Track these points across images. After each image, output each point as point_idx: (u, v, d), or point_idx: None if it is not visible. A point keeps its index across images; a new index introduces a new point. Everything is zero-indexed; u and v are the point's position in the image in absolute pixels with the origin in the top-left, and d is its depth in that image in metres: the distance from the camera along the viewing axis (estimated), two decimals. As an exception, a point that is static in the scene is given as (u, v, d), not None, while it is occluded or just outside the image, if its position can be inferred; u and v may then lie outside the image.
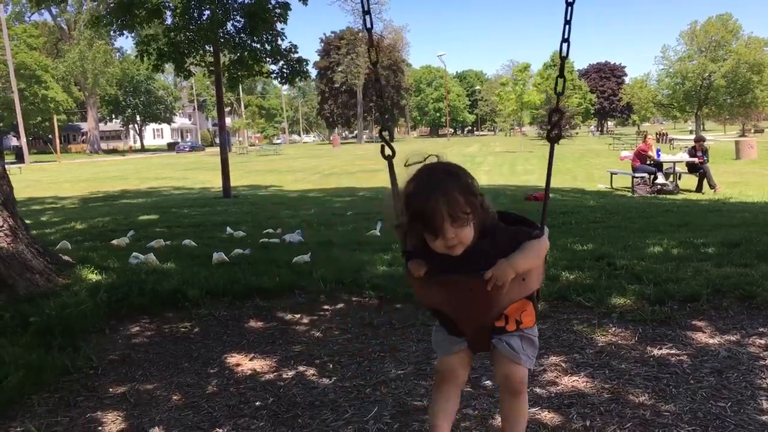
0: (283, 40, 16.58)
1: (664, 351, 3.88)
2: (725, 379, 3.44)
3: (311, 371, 3.81)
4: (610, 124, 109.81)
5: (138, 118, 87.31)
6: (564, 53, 2.32)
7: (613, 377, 3.52)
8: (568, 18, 2.31)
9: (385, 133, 2.40)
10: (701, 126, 74.93)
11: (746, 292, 4.80)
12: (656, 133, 53.22)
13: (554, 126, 2.30)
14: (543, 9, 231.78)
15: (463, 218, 2.01)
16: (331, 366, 3.88)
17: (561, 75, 2.31)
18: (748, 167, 24.48)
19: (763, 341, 3.98)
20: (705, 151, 15.86)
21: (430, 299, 2.24)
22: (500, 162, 31.38)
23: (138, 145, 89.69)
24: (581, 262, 5.84)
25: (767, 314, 4.48)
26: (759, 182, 18.30)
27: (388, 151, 2.37)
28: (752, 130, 71.89)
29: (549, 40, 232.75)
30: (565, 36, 2.32)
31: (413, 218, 2.06)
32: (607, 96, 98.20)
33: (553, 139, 2.29)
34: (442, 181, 2.06)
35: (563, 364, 3.71)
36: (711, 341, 4.02)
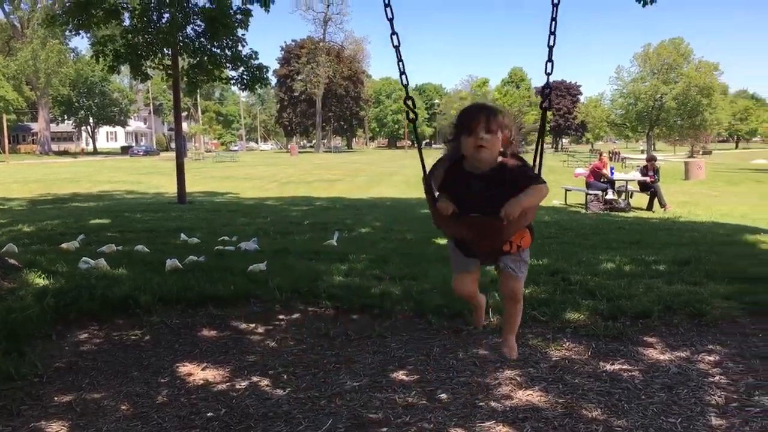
0: (243, 46, 16.44)
1: (617, 366, 3.93)
2: (675, 395, 3.50)
3: (265, 382, 3.76)
4: (565, 141, 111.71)
5: (91, 120, 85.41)
6: (551, 43, 2.86)
7: (566, 392, 3.55)
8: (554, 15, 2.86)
9: (409, 102, 2.83)
10: (652, 146, 76.79)
11: (696, 310, 4.91)
12: (609, 152, 54.28)
13: (546, 97, 2.83)
14: (502, 27, 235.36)
15: (495, 130, 2.64)
16: (285, 377, 3.83)
17: (549, 59, 2.86)
18: (697, 187, 25.15)
19: (711, 358, 4.07)
20: (656, 171, 16.26)
21: (456, 231, 2.88)
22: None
23: (90, 147, 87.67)
24: (537, 277, 5.89)
25: (716, 332, 4.59)
26: (707, 202, 18.81)
27: (412, 115, 2.86)
28: (701, 152, 73.99)
29: (507, 57, 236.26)
30: (552, 29, 2.87)
31: (458, 122, 2.71)
32: (563, 114, 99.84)
33: (545, 108, 2.84)
34: (490, 105, 2.78)
35: (518, 378, 3.73)
36: (662, 357, 4.09)
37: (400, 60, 2.85)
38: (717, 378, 3.74)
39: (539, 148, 2.82)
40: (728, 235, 9.65)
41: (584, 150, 77.85)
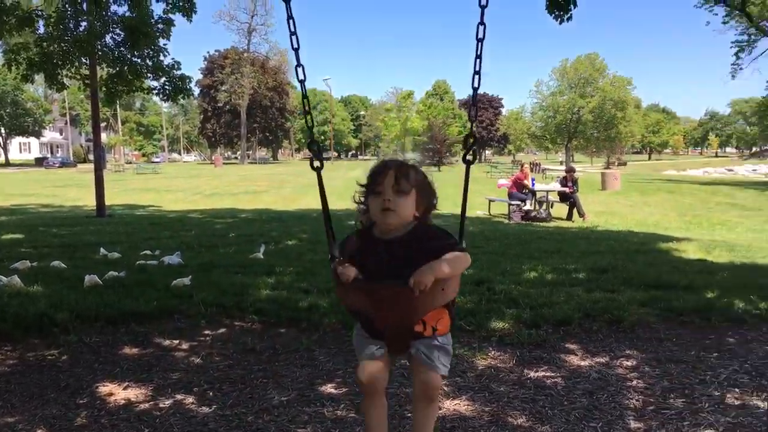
0: (165, 56, 16.09)
1: (540, 373, 4.03)
2: (596, 400, 3.61)
3: (190, 399, 3.67)
4: (488, 153, 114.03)
5: (2, 131, 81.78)
6: (476, 84, 2.58)
7: (492, 400, 3.61)
8: (479, 53, 2.55)
9: (315, 148, 2.56)
10: (571, 157, 79.27)
11: (614, 316, 5.09)
12: (530, 163, 55.75)
13: (469, 149, 2.51)
14: (426, 39, 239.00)
15: (405, 190, 2.34)
16: (211, 393, 3.76)
17: (474, 104, 2.57)
18: (613, 197, 26.08)
19: (629, 363, 4.22)
20: (575, 182, 16.80)
21: (357, 301, 2.40)
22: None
23: (2, 158, 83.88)
24: (463, 287, 5.95)
25: (633, 337, 4.77)
26: (622, 212, 19.55)
27: (317, 163, 2.56)
28: (616, 163, 76.81)
29: (432, 70, 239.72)
30: (477, 69, 2.56)
31: (366, 182, 2.43)
32: (486, 126, 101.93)
33: (469, 161, 2.51)
34: (400, 161, 2.45)
35: (445, 388, 3.77)
36: (583, 363, 4.21)
37: (304, 96, 2.67)
38: (635, 382, 3.88)
39: (463, 206, 2.49)
40: (643, 244, 10.06)
41: (506, 161, 79.68)
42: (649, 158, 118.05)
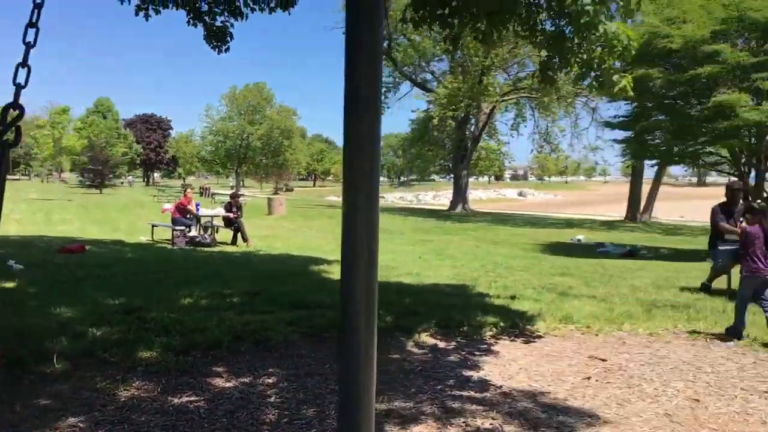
0: None
1: (184, 399, 4.08)
2: (236, 419, 3.78)
3: None
4: (157, 175, 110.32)
5: None
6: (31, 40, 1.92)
7: (132, 431, 3.57)
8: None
9: None
10: (241, 182, 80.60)
11: (262, 337, 5.38)
12: (200, 188, 55.46)
13: (9, 126, 1.78)
14: (86, 52, 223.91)
15: None
16: None
17: (23, 65, 1.87)
18: (278, 222, 27.19)
19: (270, 380, 4.49)
20: (239, 207, 17.15)
21: None
22: (34, 210, 28.94)
23: None
24: (111, 317, 5.78)
25: (278, 355, 5.08)
26: (285, 236, 20.49)
27: None
28: (284, 189, 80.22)
29: (93, 87, 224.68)
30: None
31: None
32: (154, 148, 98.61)
33: (6, 144, 1.77)
34: None
35: (81, 425, 3.62)
36: (227, 385, 4.37)
37: None
38: (273, 398, 4.14)
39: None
40: (298, 266, 10.68)
41: (176, 184, 78.03)
42: (314, 185, 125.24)
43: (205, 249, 14.96)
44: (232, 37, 8.04)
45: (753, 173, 18.73)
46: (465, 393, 4.38)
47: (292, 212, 33.03)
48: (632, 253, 16.81)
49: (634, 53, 5.59)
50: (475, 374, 4.83)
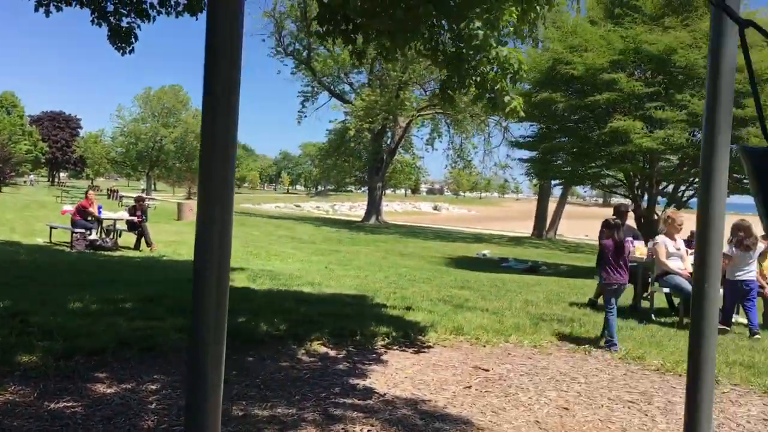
0: None
1: (61, 404, 4.01)
2: (113, 425, 3.75)
3: None
4: (63, 175, 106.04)
5: None
6: None
7: (1, 436, 3.49)
8: None
9: None
10: (153, 185, 78.51)
11: (149, 343, 5.32)
12: (108, 190, 53.71)
13: None
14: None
15: None
16: None
17: None
18: (188, 227, 26.56)
19: (154, 387, 4.46)
20: (144, 211, 16.73)
21: None
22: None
23: None
24: (-8, 320, 5.60)
25: (164, 362, 5.04)
26: (193, 241, 20.05)
27: None
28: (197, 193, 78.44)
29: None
30: None
31: None
32: (61, 147, 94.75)
33: None
34: None
35: (-54, 430, 3.51)
36: (108, 391, 4.32)
37: None
38: (154, 405, 4.12)
39: None
40: (200, 273, 10.54)
41: (84, 185, 75.24)
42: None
43: (106, 253, 14.52)
44: (137, 39, 7.92)
45: (646, 196, 19.85)
46: (348, 400, 4.49)
47: (202, 218, 32.38)
48: (533, 268, 17.45)
49: (525, 76, 5.89)
50: (361, 382, 4.95)
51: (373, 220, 40.47)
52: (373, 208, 41.70)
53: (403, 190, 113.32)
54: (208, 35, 1.79)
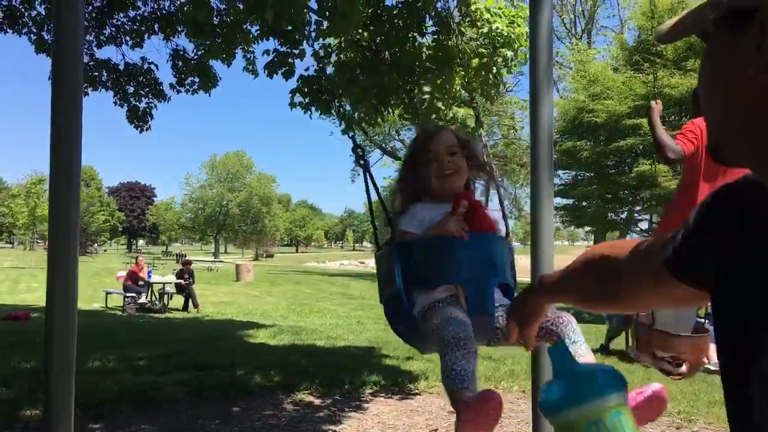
0: None
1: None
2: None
3: None
4: (142, 242, 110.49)
5: None
6: None
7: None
8: None
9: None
10: (224, 248, 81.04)
11: (147, 396, 5.80)
12: (176, 254, 55.78)
13: None
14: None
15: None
16: None
17: None
18: (243, 288, 27.47)
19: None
20: (191, 274, 17.63)
21: None
22: (3, 277, 29.29)
23: None
24: (8, 380, 6.20)
25: (155, 412, 5.49)
26: (241, 302, 20.77)
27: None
28: (264, 255, 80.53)
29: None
30: None
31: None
32: (137, 215, 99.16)
33: None
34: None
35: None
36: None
37: None
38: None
39: None
40: (228, 330, 11.09)
41: (158, 251, 78.23)
42: (296, 250, 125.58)
43: (155, 315, 15.33)
44: (152, 117, 8.69)
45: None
46: (313, 445, 4.82)
47: (261, 278, 33.30)
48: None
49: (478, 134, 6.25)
50: (332, 428, 5.27)
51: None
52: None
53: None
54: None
